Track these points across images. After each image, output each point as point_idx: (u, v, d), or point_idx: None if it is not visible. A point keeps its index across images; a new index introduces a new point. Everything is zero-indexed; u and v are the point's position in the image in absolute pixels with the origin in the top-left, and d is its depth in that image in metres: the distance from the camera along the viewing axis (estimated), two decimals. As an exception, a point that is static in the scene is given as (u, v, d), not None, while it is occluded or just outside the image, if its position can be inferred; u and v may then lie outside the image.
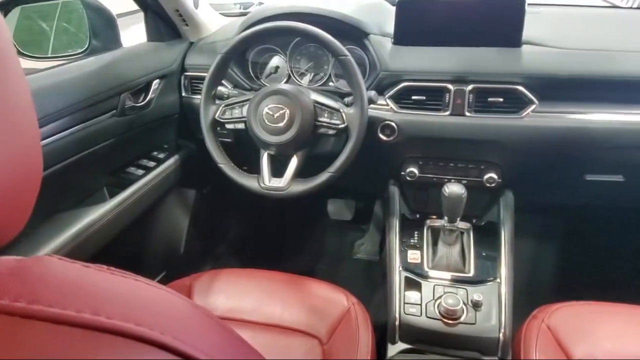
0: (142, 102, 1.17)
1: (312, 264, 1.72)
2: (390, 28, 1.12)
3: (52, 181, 0.93)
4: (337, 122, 0.99)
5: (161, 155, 1.29)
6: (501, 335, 0.93)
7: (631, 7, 2.55)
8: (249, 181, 1.05)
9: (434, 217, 1.17)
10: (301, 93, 1.00)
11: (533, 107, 1.02)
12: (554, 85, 1.02)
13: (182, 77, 1.29)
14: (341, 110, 0.99)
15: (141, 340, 0.22)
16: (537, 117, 1.03)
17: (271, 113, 0.99)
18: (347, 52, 0.97)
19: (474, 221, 1.15)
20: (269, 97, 1.00)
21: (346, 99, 1.06)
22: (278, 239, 1.81)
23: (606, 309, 0.94)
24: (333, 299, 0.99)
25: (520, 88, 1.02)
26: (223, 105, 1.07)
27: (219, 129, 1.10)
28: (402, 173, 1.15)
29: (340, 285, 1.02)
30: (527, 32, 1.05)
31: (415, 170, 1.14)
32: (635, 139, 1.01)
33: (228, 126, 1.07)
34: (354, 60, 1.15)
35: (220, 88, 1.12)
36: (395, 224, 1.15)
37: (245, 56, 1.25)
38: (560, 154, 1.06)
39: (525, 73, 1.02)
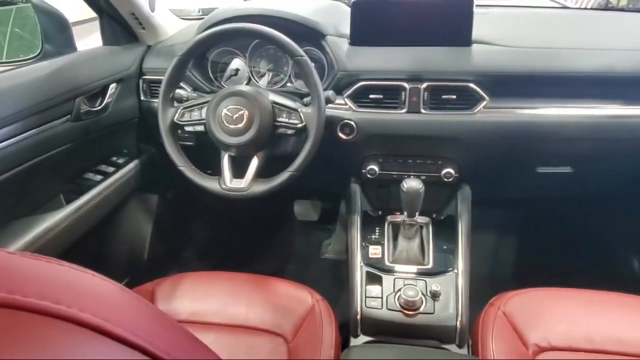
0: (98, 106, 1.15)
1: (280, 265, 1.72)
2: (346, 29, 1.15)
3: (5, 188, 0.90)
4: (296, 121, 1.00)
5: (121, 160, 1.26)
6: (458, 323, 0.96)
7: (579, 8, 2.69)
8: (209, 183, 1.04)
9: (397, 213, 1.20)
10: (259, 94, 1.01)
11: (484, 103, 1.06)
12: (503, 82, 1.07)
13: (141, 81, 1.27)
14: (299, 110, 1.00)
15: (60, 317, 0.22)
16: (488, 112, 1.07)
17: (230, 114, 1.00)
18: (302, 53, 0.99)
19: (434, 216, 1.18)
20: (227, 98, 1.01)
21: (305, 99, 1.07)
22: (245, 242, 1.80)
23: (559, 294, 0.98)
24: (297, 297, 0.99)
25: (472, 85, 1.06)
26: (181, 107, 1.06)
27: (179, 132, 1.09)
28: (363, 171, 1.18)
29: (309, 285, 1.03)
30: (477, 32, 1.10)
31: (376, 168, 1.16)
32: (579, 131, 1.07)
33: (187, 129, 1.07)
34: (313, 61, 1.17)
35: (179, 91, 1.12)
36: (357, 220, 1.17)
37: (205, 59, 1.25)
38: (512, 148, 1.11)
39: (475, 71, 1.06)
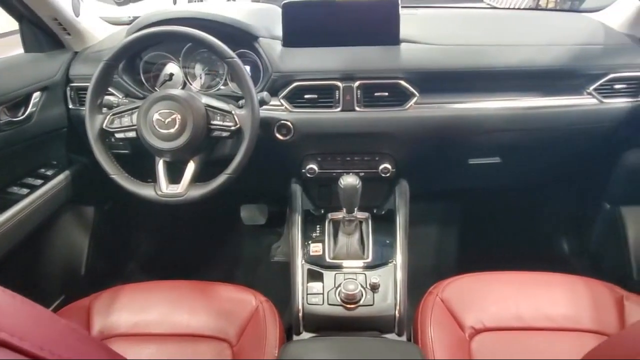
0: (21, 116, 1.10)
1: (228, 271, 1.70)
2: (279, 31, 1.15)
3: None
4: (230, 124, 1.00)
5: (49, 172, 1.20)
6: (397, 312, 0.99)
7: (510, 8, 2.85)
8: (144, 190, 1.02)
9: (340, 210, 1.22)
10: (191, 97, 0.99)
11: (415, 99, 1.10)
12: (432, 78, 1.11)
13: (68, 89, 1.22)
14: (233, 112, 1.00)
15: None
16: (419, 108, 1.11)
17: (162, 119, 0.98)
18: (233, 55, 0.98)
19: (374, 211, 1.21)
20: (157, 102, 0.98)
21: (240, 102, 1.07)
22: (192, 250, 1.77)
23: (492, 278, 1.03)
24: (241, 300, 0.99)
25: (402, 82, 1.09)
26: (111, 114, 1.03)
27: (111, 139, 1.06)
28: (303, 170, 1.19)
29: (259, 289, 1.02)
30: (406, 31, 1.14)
31: (315, 167, 1.18)
32: (502, 122, 1.13)
33: (118, 135, 1.04)
34: (248, 63, 1.17)
35: (109, 97, 1.08)
36: (297, 220, 1.18)
37: (136, 63, 1.22)
38: (443, 141, 1.16)
39: (405, 68, 1.10)
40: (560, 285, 0.99)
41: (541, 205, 1.65)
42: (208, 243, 1.80)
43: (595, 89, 1.12)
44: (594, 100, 1.12)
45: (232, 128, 1.00)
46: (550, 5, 2.92)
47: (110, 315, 0.97)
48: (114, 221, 1.52)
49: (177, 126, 0.97)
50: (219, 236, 1.82)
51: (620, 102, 1.13)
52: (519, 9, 2.62)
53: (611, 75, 1.11)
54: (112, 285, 1.03)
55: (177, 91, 1.00)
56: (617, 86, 1.12)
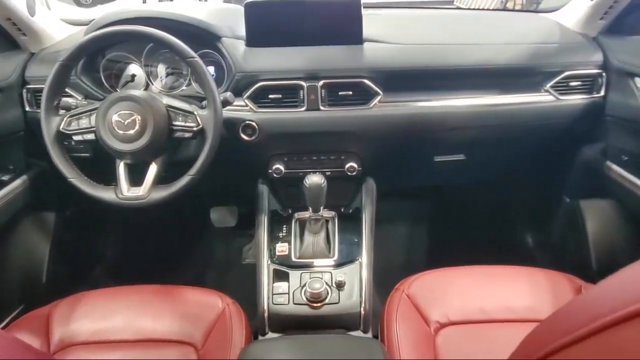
0: (-28, 119, 1.05)
1: (199, 275, 1.67)
2: (243, 31, 1.15)
3: None
4: (192, 124, 0.99)
5: (5, 177, 1.16)
6: (362, 309, 1.00)
7: (478, 9, 2.92)
8: (105, 193, 0.99)
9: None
10: (152, 98, 0.98)
11: (379, 97, 1.11)
12: (395, 77, 1.13)
13: (24, 91, 1.18)
14: (195, 112, 0.99)
15: None
16: (383, 106, 1.12)
17: (121, 120, 0.96)
18: (194, 54, 0.97)
19: (342, 210, 1.21)
20: (116, 103, 0.96)
21: (204, 102, 1.06)
22: (161, 254, 1.73)
23: (457, 273, 1.04)
24: (207, 303, 0.97)
25: (366, 81, 1.10)
26: (68, 116, 1.00)
27: (70, 142, 1.03)
28: (269, 171, 1.18)
29: (229, 292, 1.01)
30: (369, 31, 1.15)
31: (281, 167, 1.17)
32: (466, 120, 1.16)
33: (76, 138, 1.01)
34: (212, 64, 1.16)
35: (67, 99, 1.05)
36: (263, 220, 1.17)
37: (96, 64, 1.19)
38: (408, 138, 1.17)
39: (368, 67, 1.11)
40: (522, 277, 1.01)
41: (506, 200, 1.69)
42: (177, 247, 1.77)
43: (552, 86, 1.15)
44: (551, 97, 1.16)
45: (195, 129, 0.98)
46: (518, 7, 3.00)
47: (71, 323, 0.94)
48: (77, 226, 1.48)
49: (137, 127, 0.95)
50: (189, 239, 1.80)
51: (576, 99, 1.17)
52: (487, 9, 2.69)
53: (566, 73, 1.15)
54: (75, 292, 1.00)
55: (137, 92, 0.98)
56: (572, 83, 1.16)
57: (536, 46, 1.16)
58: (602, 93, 1.17)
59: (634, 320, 0.22)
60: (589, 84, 1.17)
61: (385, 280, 1.13)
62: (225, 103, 1.03)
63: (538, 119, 1.17)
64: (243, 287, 1.46)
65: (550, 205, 1.45)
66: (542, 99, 1.16)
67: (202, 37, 1.13)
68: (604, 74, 1.16)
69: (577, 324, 0.25)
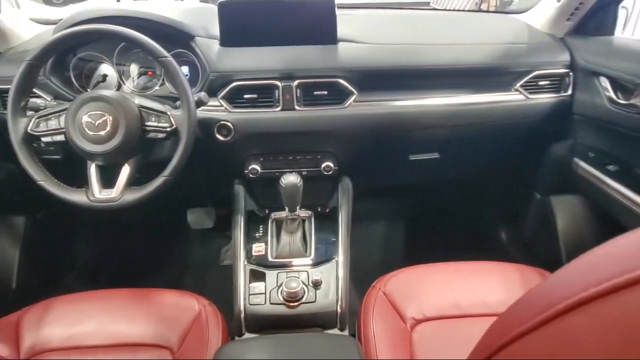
0: (-64, 122, 1.02)
1: (176, 278, 1.65)
2: (217, 30, 1.14)
3: None
4: (165, 125, 0.97)
5: (-29, 181, 1.12)
6: (339, 308, 1.01)
7: (453, 10, 2.97)
8: (76, 196, 0.97)
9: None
10: (124, 98, 0.96)
11: (354, 97, 1.12)
12: (369, 76, 1.14)
13: None
14: (168, 112, 0.98)
15: None
16: (358, 106, 1.13)
17: (92, 121, 0.94)
18: (166, 54, 0.96)
19: (319, 209, 1.22)
20: (87, 104, 0.94)
21: (177, 102, 1.05)
22: (138, 257, 1.70)
23: (432, 269, 1.06)
24: (183, 306, 0.97)
25: (341, 81, 1.11)
26: (36, 117, 0.97)
27: (40, 144, 1.00)
28: (246, 171, 1.18)
29: (207, 294, 1.00)
30: (344, 31, 1.15)
31: (258, 167, 1.17)
32: (439, 119, 1.18)
33: (45, 139, 0.98)
34: (186, 63, 1.15)
35: (35, 100, 1.02)
36: (240, 221, 1.17)
37: (66, 65, 1.16)
38: (383, 137, 1.18)
39: (343, 67, 1.12)
40: (495, 273, 1.04)
41: (480, 197, 1.72)
42: (154, 250, 1.74)
43: (521, 86, 1.18)
44: (521, 96, 1.19)
45: (168, 129, 0.97)
46: (492, 9, 3.06)
47: (42, 329, 0.92)
48: (48, 231, 1.44)
49: (108, 128, 0.94)
50: (166, 242, 1.77)
51: (545, 98, 1.20)
52: (461, 10, 2.73)
53: (535, 73, 1.18)
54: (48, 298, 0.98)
55: (108, 92, 0.96)
56: (541, 82, 1.19)
57: (506, 46, 1.19)
58: (570, 92, 1.20)
59: (583, 307, 0.23)
60: (556, 83, 1.20)
61: (363, 278, 1.14)
62: (200, 103, 1.02)
63: (508, 117, 1.20)
64: (221, 289, 1.45)
65: (522, 201, 1.49)
66: (512, 98, 1.18)
67: (175, 37, 1.12)
68: (571, 74, 1.19)
69: (533, 313, 0.26)
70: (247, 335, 0.99)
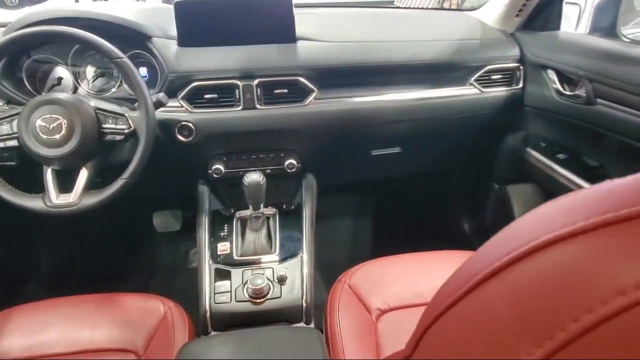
0: None
1: (144, 282, 1.63)
2: (175, 31, 1.13)
3: None
4: (123, 126, 0.96)
5: None
6: (304, 302, 1.02)
7: (415, 7, 3.02)
8: (32, 202, 0.95)
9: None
10: (79, 100, 0.94)
11: (314, 94, 1.14)
12: (329, 74, 1.15)
13: None
14: (126, 114, 0.97)
15: None
16: (318, 103, 1.15)
17: (46, 125, 0.92)
18: (121, 55, 0.95)
19: (284, 206, 1.23)
20: (40, 107, 0.92)
21: (136, 104, 1.04)
22: (103, 263, 1.67)
23: (396, 260, 1.09)
24: (148, 309, 0.96)
25: (301, 79, 1.12)
26: None
27: None
28: (209, 171, 1.17)
29: (176, 296, 0.99)
30: (303, 30, 1.17)
31: (221, 167, 1.17)
32: (398, 114, 1.21)
33: None
34: (145, 65, 1.14)
35: None
36: (204, 221, 1.17)
37: (19, 68, 1.13)
38: (344, 134, 1.20)
39: (302, 65, 1.13)
40: (456, 260, 1.05)
41: (443, 189, 1.77)
42: (120, 255, 1.71)
43: (475, 80, 1.23)
44: (476, 90, 1.23)
45: (126, 131, 0.96)
46: (454, 7, 3.14)
47: (1, 340, 0.90)
48: (6, 239, 1.39)
49: (63, 132, 0.92)
50: (132, 247, 1.74)
51: (498, 91, 1.25)
52: (425, 9, 2.79)
53: (488, 67, 1.22)
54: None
55: (62, 94, 0.94)
56: (494, 77, 1.24)
57: (460, 42, 1.23)
58: (521, 85, 1.26)
59: (496, 275, 0.25)
60: (508, 77, 1.25)
61: (330, 273, 1.16)
62: (158, 104, 1.01)
63: (464, 111, 1.24)
64: (189, 291, 1.44)
65: (482, 192, 1.54)
66: (467, 92, 1.23)
67: (132, 38, 1.11)
68: (521, 67, 1.25)
69: (456, 288, 0.28)
70: (213, 333, 0.99)
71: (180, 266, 1.68)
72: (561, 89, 1.14)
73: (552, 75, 1.16)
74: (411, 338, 0.36)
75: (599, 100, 1.02)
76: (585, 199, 0.24)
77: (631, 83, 0.94)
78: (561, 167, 1.14)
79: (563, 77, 1.14)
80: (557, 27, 1.27)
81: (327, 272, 1.20)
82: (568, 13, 1.33)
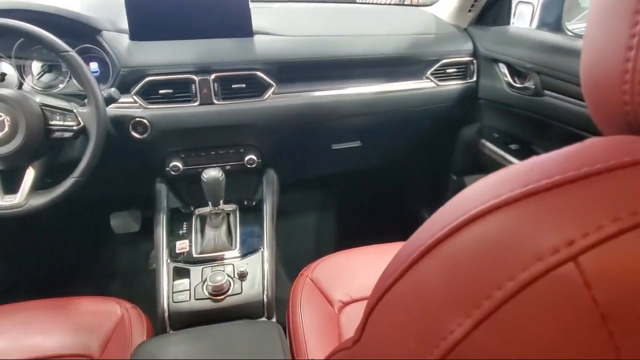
0: None
1: (102, 286, 1.58)
2: (126, 24, 1.09)
3: None
4: (72, 123, 0.92)
5: None
6: (265, 297, 1.02)
7: (373, 3, 3.04)
8: None
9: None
10: (23, 96, 0.90)
11: (272, 89, 1.13)
12: (287, 68, 1.15)
13: None
14: (74, 110, 0.93)
15: None
16: (277, 98, 1.14)
17: None
18: (67, 48, 0.91)
19: (245, 202, 1.22)
20: None
21: (86, 99, 1.00)
22: (58, 268, 1.60)
23: (357, 253, 1.10)
24: (104, 311, 0.93)
25: (259, 73, 1.11)
26: None
27: None
28: (167, 169, 1.15)
29: (137, 298, 0.97)
30: (261, 24, 1.15)
31: (179, 164, 1.14)
32: (356, 107, 1.22)
33: None
34: (95, 59, 1.09)
35: None
36: (162, 220, 1.14)
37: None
38: (304, 128, 1.20)
39: (260, 59, 1.12)
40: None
41: (404, 181, 1.80)
42: (77, 258, 1.65)
43: (431, 73, 1.25)
44: (432, 84, 1.26)
45: (75, 127, 0.92)
46: (415, 2, 3.19)
47: (-57, 351, 0.85)
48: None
49: (6, 129, 0.87)
50: (89, 249, 1.68)
51: (453, 84, 1.28)
52: (382, 4, 2.82)
53: (443, 61, 1.25)
54: None
55: (4, 90, 0.90)
56: (449, 70, 1.27)
57: (416, 37, 1.25)
58: (475, 78, 1.29)
59: (431, 251, 0.26)
60: (463, 71, 1.29)
61: (294, 268, 1.16)
62: (110, 100, 0.98)
63: (421, 104, 1.27)
64: (149, 292, 1.40)
65: (441, 183, 1.58)
66: (423, 85, 1.25)
67: (81, 31, 1.07)
68: (474, 61, 1.28)
69: (396, 267, 0.29)
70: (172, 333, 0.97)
71: (141, 268, 1.63)
72: (512, 81, 1.18)
73: (503, 68, 1.20)
74: (360, 322, 0.37)
75: (546, 91, 1.07)
76: (511, 173, 0.25)
77: (575, 75, 0.98)
78: (513, 156, 1.18)
79: (513, 70, 1.18)
80: (507, 22, 1.31)
81: (291, 267, 1.20)
82: (523, 12, 1.38)
